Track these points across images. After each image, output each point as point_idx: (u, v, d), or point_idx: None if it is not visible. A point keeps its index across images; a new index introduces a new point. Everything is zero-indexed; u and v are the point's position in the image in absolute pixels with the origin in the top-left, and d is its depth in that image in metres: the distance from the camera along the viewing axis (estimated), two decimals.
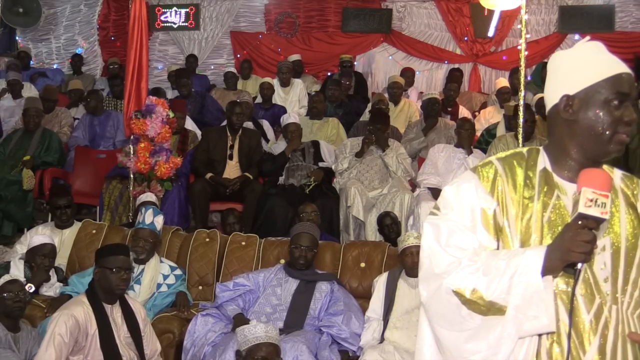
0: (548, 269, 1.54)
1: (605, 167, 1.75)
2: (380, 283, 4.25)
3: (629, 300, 1.65)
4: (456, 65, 9.63)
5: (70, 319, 3.52)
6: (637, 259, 1.67)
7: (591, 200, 1.49)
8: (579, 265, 1.51)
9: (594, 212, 1.49)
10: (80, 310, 3.59)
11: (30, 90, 8.47)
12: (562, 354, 1.58)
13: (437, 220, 1.70)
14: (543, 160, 1.73)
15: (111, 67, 9.42)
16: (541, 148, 1.77)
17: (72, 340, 3.51)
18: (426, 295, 1.67)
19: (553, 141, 1.75)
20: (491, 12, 8.88)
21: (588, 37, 1.79)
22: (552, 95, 1.74)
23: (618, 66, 1.69)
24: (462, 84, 9.13)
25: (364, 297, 4.47)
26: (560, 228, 1.63)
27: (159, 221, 4.62)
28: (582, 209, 1.49)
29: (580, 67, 1.71)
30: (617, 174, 1.78)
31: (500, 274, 1.56)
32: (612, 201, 1.68)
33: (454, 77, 8.88)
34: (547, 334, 1.59)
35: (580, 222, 1.51)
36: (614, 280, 1.64)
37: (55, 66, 10.63)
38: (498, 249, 1.67)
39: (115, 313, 3.74)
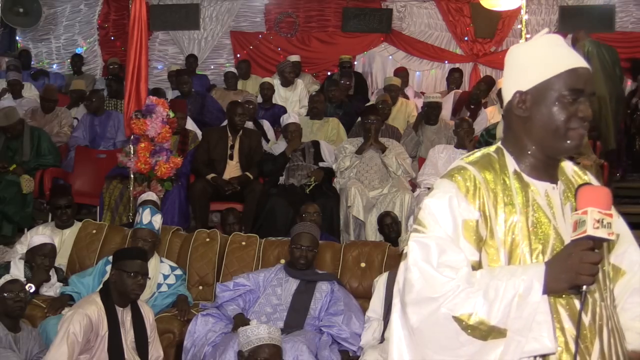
0: (550, 290, 1.50)
1: (570, 163, 1.75)
2: (380, 283, 4.25)
3: (610, 292, 1.64)
4: (457, 65, 9.62)
5: (85, 319, 3.53)
6: (605, 251, 1.64)
7: (598, 221, 1.44)
8: (584, 287, 1.47)
9: (602, 233, 1.44)
10: (94, 310, 3.60)
11: (30, 90, 8.49)
12: (570, 357, 1.55)
13: (424, 239, 1.60)
14: (510, 161, 1.69)
15: (111, 67, 9.43)
16: (502, 147, 1.73)
17: (85, 339, 3.52)
18: (417, 319, 1.57)
19: (510, 139, 1.72)
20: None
21: (546, 30, 1.74)
22: (506, 91, 1.71)
23: (572, 61, 1.64)
24: (462, 83, 9.13)
25: (364, 297, 4.47)
26: (542, 230, 1.60)
27: (157, 220, 4.62)
28: (590, 231, 1.44)
29: (534, 62, 1.66)
30: (568, 165, 1.75)
31: (500, 296, 1.50)
32: (569, 194, 1.67)
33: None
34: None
35: (587, 244, 1.46)
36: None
37: (54, 66, 10.64)
38: (480, 260, 1.61)
39: (125, 316, 3.75)
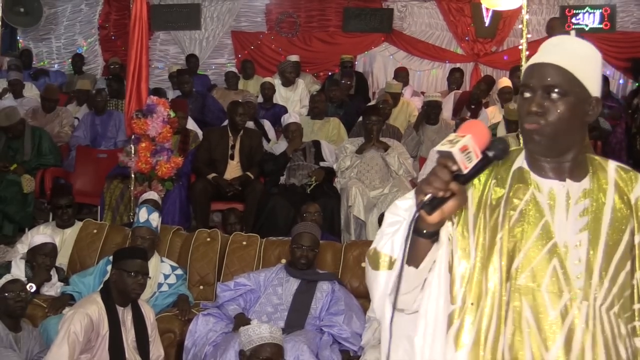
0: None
1: (597, 157, 1.74)
2: None
3: (604, 295, 1.60)
4: (457, 65, 9.62)
5: (86, 318, 3.53)
6: (619, 255, 1.63)
7: (449, 141, 1.55)
8: (427, 197, 1.53)
9: (446, 148, 1.54)
10: (94, 310, 3.61)
11: (31, 90, 8.49)
12: (522, 345, 1.58)
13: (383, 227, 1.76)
14: (521, 159, 1.72)
15: (112, 66, 9.44)
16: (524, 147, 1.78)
17: (86, 339, 3.52)
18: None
19: None
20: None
21: (572, 32, 1.77)
22: None
23: (538, 57, 1.67)
24: (463, 83, 9.13)
25: (365, 297, 4.45)
26: (529, 223, 1.62)
27: (155, 218, 4.63)
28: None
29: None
30: (611, 166, 1.73)
31: (384, 224, 1.69)
32: (593, 193, 1.67)
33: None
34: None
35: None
36: (588, 276, 1.60)
37: (55, 66, 10.65)
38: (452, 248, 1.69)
39: (126, 316, 3.75)
